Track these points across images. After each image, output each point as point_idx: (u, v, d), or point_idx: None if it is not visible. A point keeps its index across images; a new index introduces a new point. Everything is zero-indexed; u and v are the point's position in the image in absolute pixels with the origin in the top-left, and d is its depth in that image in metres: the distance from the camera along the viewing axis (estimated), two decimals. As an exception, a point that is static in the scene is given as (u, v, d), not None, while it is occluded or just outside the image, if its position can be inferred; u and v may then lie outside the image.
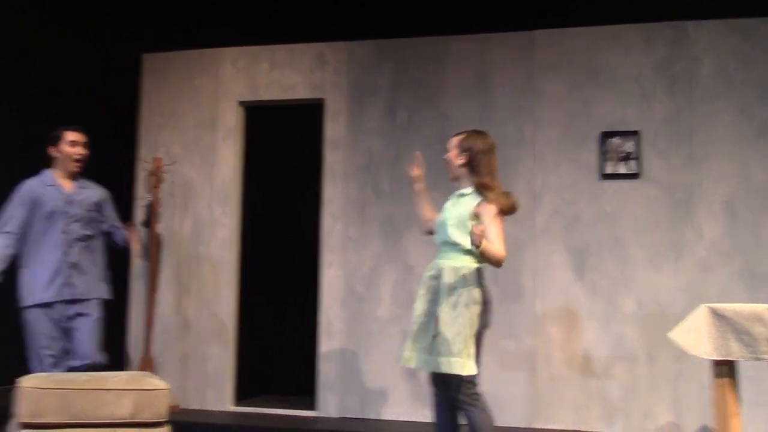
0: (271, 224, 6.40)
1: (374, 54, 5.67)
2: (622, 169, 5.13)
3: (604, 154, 5.17)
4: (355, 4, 5.55)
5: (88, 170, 6.37)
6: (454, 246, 3.64)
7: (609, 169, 5.16)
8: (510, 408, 5.09)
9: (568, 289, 5.18)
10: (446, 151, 3.86)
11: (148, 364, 5.51)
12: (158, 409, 3.48)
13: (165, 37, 5.96)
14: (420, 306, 3.71)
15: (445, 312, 3.57)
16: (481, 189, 3.66)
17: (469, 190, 3.73)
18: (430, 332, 3.60)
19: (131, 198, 5.94)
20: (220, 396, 5.68)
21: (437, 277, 3.66)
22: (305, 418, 5.39)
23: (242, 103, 5.92)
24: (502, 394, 5.07)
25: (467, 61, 5.50)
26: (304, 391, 5.72)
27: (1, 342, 6.24)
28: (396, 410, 5.32)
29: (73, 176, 4.42)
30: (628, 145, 5.13)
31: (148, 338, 5.58)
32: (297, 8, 5.67)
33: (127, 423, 3.45)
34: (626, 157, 5.13)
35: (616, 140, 5.16)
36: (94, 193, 4.50)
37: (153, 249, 5.61)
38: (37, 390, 3.48)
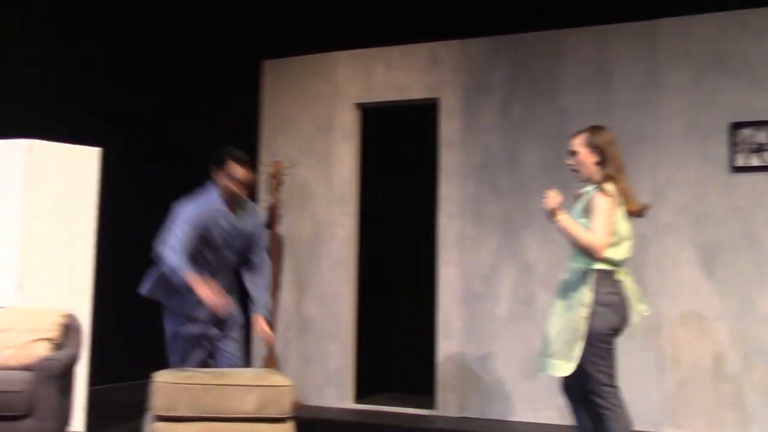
0: (388, 224, 6.46)
1: (489, 51, 5.61)
2: (754, 161, 4.86)
3: (733, 146, 4.91)
4: (469, 2, 5.52)
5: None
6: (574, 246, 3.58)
7: (740, 162, 4.89)
8: (637, 413, 4.89)
9: (698, 288, 4.95)
10: (569, 153, 3.71)
11: (271, 362, 5.68)
12: (282, 406, 3.57)
13: (283, 43, 6.14)
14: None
15: (553, 311, 3.56)
16: (604, 182, 3.55)
17: (590, 187, 3.62)
18: None
19: (253, 201, 6.13)
20: (340, 393, 5.78)
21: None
22: (424, 417, 5.40)
23: (358, 105, 6.01)
24: (627, 398, 4.90)
25: (585, 55, 5.35)
26: (424, 390, 5.74)
27: (136, 338, 6.60)
28: (517, 411, 5.25)
29: (233, 204, 4.04)
30: (761, 136, 4.85)
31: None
32: (410, 9, 5.69)
33: (252, 418, 3.55)
34: (759, 149, 4.85)
35: (747, 131, 4.88)
36: (253, 222, 4.17)
37: (275, 250, 5.78)
38: (169, 385, 3.64)
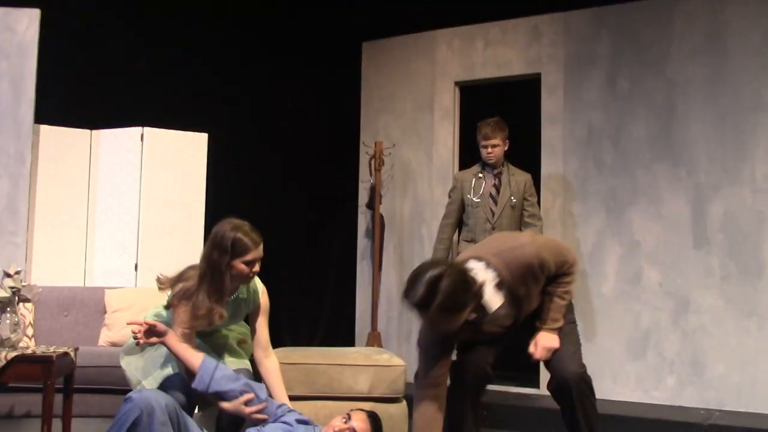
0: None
1: (592, 22, 5.44)
2: None
3: None
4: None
5: (316, 156, 6.67)
6: None
7: None
8: (757, 393, 4.72)
9: (820, 265, 4.70)
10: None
11: (375, 340, 5.74)
12: (396, 385, 3.60)
13: (382, 23, 6.13)
14: None
15: None
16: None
17: None
18: None
19: (356, 181, 6.20)
20: (443, 372, 5.79)
21: None
22: (528, 395, 5.36)
23: (458, 83, 5.95)
24: (746, 378, 4.73)
25: (696, 22, 5.10)
26: (528, 368, 5.68)
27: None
28: (622, 390, 5.14)
29: None
30: None
31: (375, 315, 5.81)
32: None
33: (365, 397, 3.59)
34: None
35: None
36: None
37: (376, 230, 5.82)
38: (283, 365, 3.73)
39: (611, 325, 5.22)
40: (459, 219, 4.98)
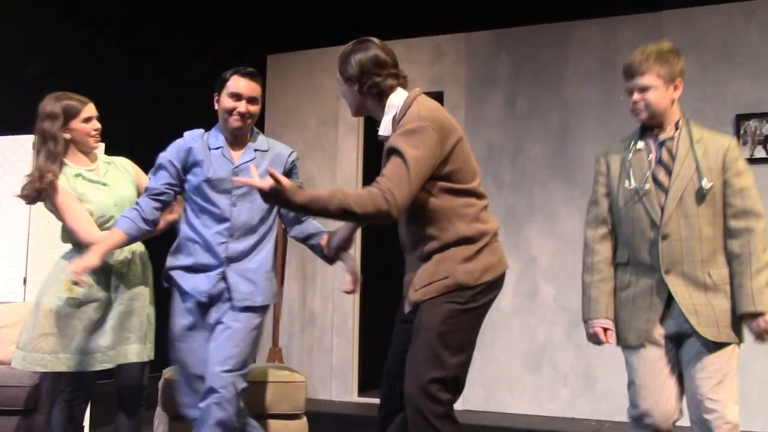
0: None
1: (493, 43, 5.60)
2: (760, 153, 4.86)
3: (739, 138, 4.91)
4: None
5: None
6: None
7: (746, 154, 4.89)
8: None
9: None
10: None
11: (276, 355, 5.67)
12: (296, 402, 3.56)
13: (287, 38, 6.11)
14: None
15: None
16: None
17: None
18: None
19: (257, 194, 6.12)
20: (343, 386, 5.78)
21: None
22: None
23: (362, 98, 5.98)
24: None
25: (591, 46, 5.34)
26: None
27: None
28: (520, 403, 5.26)
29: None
30: (767, 128, 4.85)
31: (276, 330, 5.74)
32: (414, 2, 5.67)
33: (265, 414, 3.54)
34: (765, 141, 4.86)
35: (752, 123, 4.89)
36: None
37: (279, 244, 5.76)
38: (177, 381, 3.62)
39: (509, 339, 5.34)
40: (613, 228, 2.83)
